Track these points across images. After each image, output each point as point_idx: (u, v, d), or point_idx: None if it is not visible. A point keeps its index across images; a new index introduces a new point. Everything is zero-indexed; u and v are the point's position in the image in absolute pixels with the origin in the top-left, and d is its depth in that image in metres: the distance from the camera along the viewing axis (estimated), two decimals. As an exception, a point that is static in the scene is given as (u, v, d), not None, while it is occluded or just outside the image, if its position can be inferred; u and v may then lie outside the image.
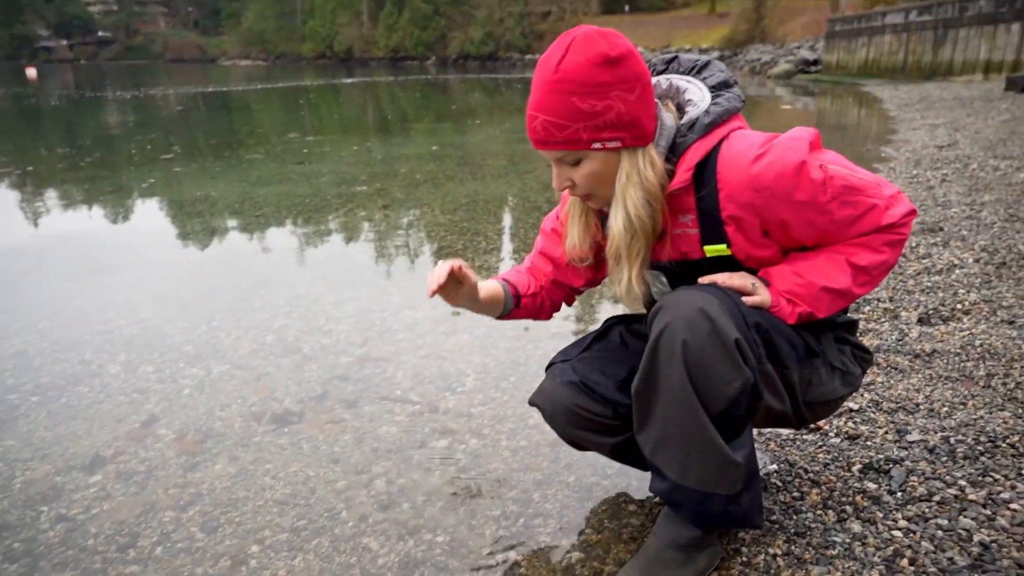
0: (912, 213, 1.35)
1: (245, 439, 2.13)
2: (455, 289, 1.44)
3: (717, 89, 1.37)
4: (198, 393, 2.43)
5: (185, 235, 4.77)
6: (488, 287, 1.53)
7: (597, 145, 1.27)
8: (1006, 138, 6.73)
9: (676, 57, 1.46)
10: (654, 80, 1.41)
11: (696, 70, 1.42)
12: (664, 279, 1.47)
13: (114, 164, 7.92)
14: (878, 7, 27.13)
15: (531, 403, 1.60)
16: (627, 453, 1.57)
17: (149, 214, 5.47)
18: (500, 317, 1.60)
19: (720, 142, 1.30)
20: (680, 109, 1.36)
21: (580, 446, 1.64)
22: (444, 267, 1.37)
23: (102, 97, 21.49)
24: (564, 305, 1.68)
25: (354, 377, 2.53)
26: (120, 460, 2.04)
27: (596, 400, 1.50)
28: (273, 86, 26.24)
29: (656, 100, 1.33)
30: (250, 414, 2.28)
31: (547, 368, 1.60)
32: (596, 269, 1.61)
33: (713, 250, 1.36)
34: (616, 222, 1.33)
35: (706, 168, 1.30)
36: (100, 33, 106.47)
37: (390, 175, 6.77)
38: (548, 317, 1.68)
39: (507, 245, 4.29)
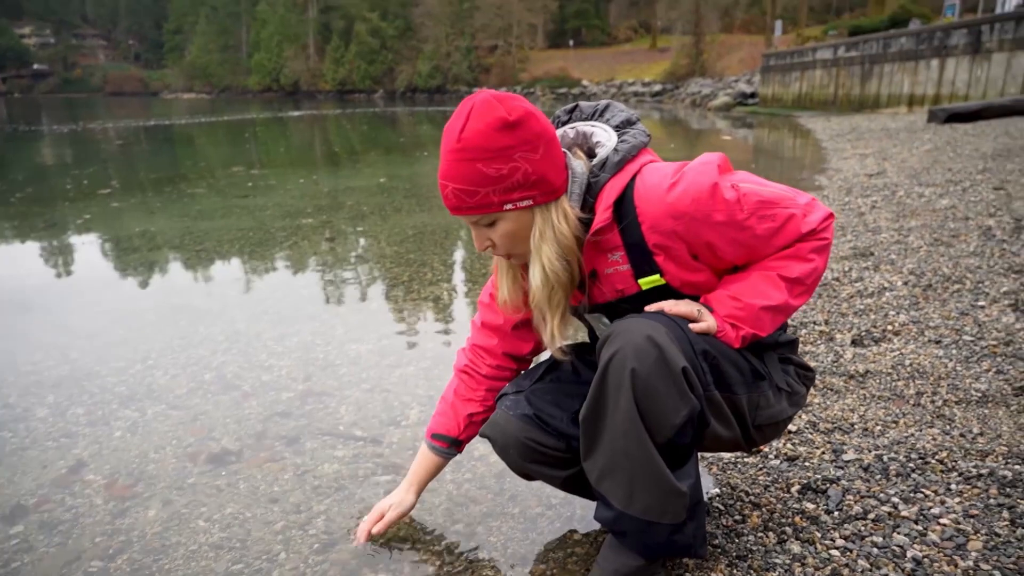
0: (830, 217, 1.39)
1: (179, 481, 2.05)
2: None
3: (622, 127, 1.41)
4: (130, 435, 2.34)
5: (122, 271, 4.63)
6: (423, 470, 1.71)
7: (509, 206, 1.30)
8: (929, 166, 7.07)
9: (577, 106, 1.50)
10: (560, 131, 1.45)
11: (598, 114, 1.46)
12: (606, 320, 1.49)
13: (48, 199, 7.66)
14: (809, 43, 28.43)
15: (482, 435, 1.58)
16: (578, 485, 1.56)
17: (84, 250, 5.29)
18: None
19: (633, 177, 1.34)
20: (590, 153, 1.40)
21: (530, 477, 1.63)
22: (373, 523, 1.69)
23: (37, 131, 20.84)
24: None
25: (295, 413, 2.47)
26: (44, 509, 1.94)
27: (550, 434, 1.49)
28: (218, 119, 25.90)
29: (565, 151, 1.37)
30: (185, 455, 2.20)
31: (498, 399, 1.59)
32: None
33: (648, 282, 1.38)
34: (534, 277, 1.37)
35: (624, 204, 1.34)
36: (36, 66, 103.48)
37: (336, 208, 6.72)
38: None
39: (453, 275, 4.28)
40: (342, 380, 2.75)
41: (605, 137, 1.40)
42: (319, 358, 2.98)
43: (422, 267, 4.42)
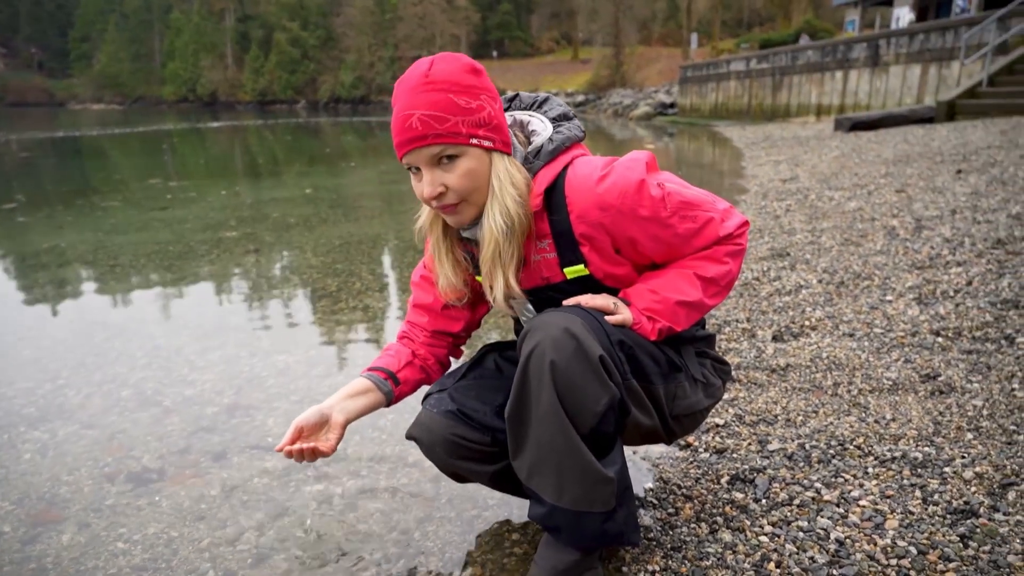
0: (745, 224, 1.46)
1: (96, 503, 1.95)
2: (320, 433, 1.44)
3: (558, 121, 1.45)
4: (40, 458, 2.21)
5: (28, 289, 4.37)
6: (353, 389, 1.51)
7: (475, 141, 1.30)
8: (837, 172, 7.44)
9: (517, 95, 1.53)
10: None
11: (537, 105, 1.50)
12: (530, 306, 1.50)
13: (-58, 215, 7.17)
14: (723, 55, 29.55)
15: (408, 436, 1.56)
16: (507, 481, 1.56)
17: (-16, 267, 4.98)
18: (391, 402, 1.57)
19: (565, 168, 1.37)
20: (526, 141, 1.43)
21: (460, 477, 1.62)
22: (291, 433, 1.41)
23: (-72, 143, 19.50)
24: (452, 359, 1.67)
25: (221, 428, 2.38)
26: (-56, 540, 1.80)
27: (474, 428, 1.48)
28: (132, 130, 24.85)
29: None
30: (102, 475, 2.09)
31: (423, 400, 1.57)
32: (472, 309, 1.62)
33: (573, 271, 1.41)
34: (495, 220, 1.33)
35: (554, 192, 1.36)
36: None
37: (260, 219, 6.54)
38: (439, 377, 1.64)
39: (382, 284, 4.23)
40: (269, 392, 2.67)
41: (541, 127, 1.43)
42: (245, 371, 2.89)
43: (350, 277, 4.35)
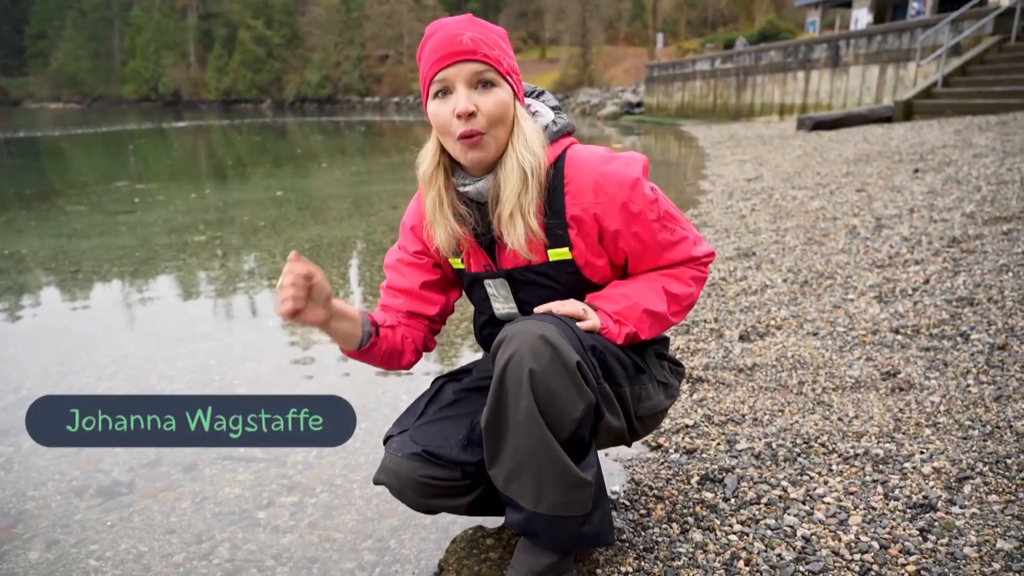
0: (711, 255, 1.55)
1: (65, 519, 1.92)
2: (312, 299, 1.29)
3: (555, 111, 1.51)
4: (4, 473, 2.17)
5: (-14, 297, 4.27)
6: (348, 312, 1.42)
7: (511, 79, 1.38)
8: (800, 171, 7.58)
9: None
10: None
11: (535, 95, 1.56)
12: (507, 286, 1.51)
13: None
14: (689, 55, 29.88)
15: (376, 482, 1.54)
16: (482, 506, 1.57)
17: (-60, 275, 4.84)
18: (359, 350, 1.47)
19: (564, 151, 1.43)
20: None
21: (433, 512, 1.62)
22: (291, 278, 1.24)
23: None
24: (424, 351, 1.65)
25: (192, 438, 2.36)
26: (-93, 560, 1.76)
27: (442, 466, 1.47)
28: (95, 131, 24.30)
29: None
30: (70, 490, 2.06)
31: (385, 442, 1.56)
32: (446, 291, 1.63)
33: (556, 254, 1.44)
34: (522, 155, 1.36)
35: (554, 172, 1.41)
36: None
37: (227, 222, 6.46)
38: (410, 361, 1.61)
39: (353, 288, 4.22)
40: (241, 401, 2.64)
41: (544, 110, 1.49)
42: (215, 379, 2.86)
43: (320, 281, 4.32)
